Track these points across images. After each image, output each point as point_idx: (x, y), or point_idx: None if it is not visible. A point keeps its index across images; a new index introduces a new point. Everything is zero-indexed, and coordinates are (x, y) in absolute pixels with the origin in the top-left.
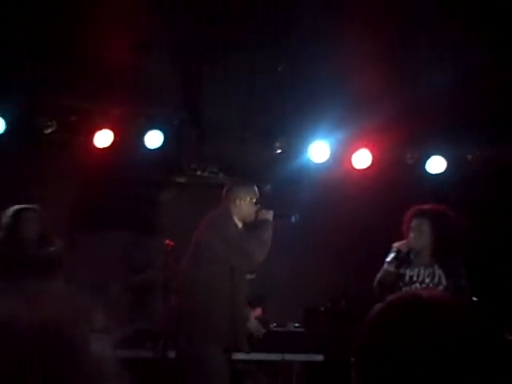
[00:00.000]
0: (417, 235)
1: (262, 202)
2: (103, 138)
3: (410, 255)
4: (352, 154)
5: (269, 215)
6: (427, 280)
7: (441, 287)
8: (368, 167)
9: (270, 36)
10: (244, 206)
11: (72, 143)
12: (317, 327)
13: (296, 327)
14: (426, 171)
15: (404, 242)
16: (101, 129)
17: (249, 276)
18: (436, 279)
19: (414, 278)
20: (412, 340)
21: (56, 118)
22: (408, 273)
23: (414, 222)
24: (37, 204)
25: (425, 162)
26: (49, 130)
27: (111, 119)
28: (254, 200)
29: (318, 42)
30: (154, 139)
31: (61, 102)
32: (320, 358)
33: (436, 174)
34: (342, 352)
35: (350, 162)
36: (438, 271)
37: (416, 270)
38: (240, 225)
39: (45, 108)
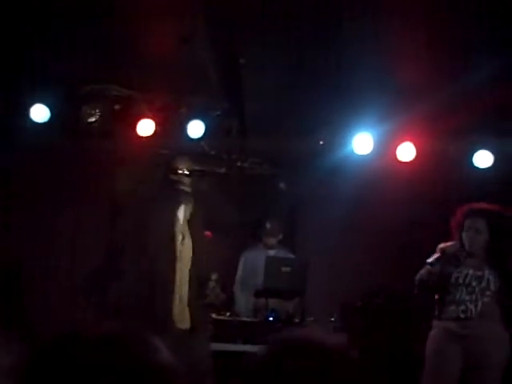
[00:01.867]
0: (472, 235)
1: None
2: (145, 127)
3: (459, 256)
4: (396, 146)
5: None
6: (474, 283)
7: (488, 292)
8: (412, 160)
9: (314, 28)
10: None
11: (115, 132)
12: (352, 322)
13: (332, 322)
14: (472, 165)
15: (451, 243)
16: (143, 118)
17: (284, 268)
18: (484, 283)
19: (460, 281)
20: None
21: (99, 107)
22: (455, 274)
23: (469, 222)
24: (77, 193)
25: (471, 156)
26: (92, 119)
27: (153, 108)
28: None
29: (363, 34)
30: (195, 129)
31: (104, 90)
32: (354, 354)
33: (482, 169)
34: (377, 349)
35: (394, 155)
36: (488, 275)
37: (464, 272)
38: None
39: (88, 97)
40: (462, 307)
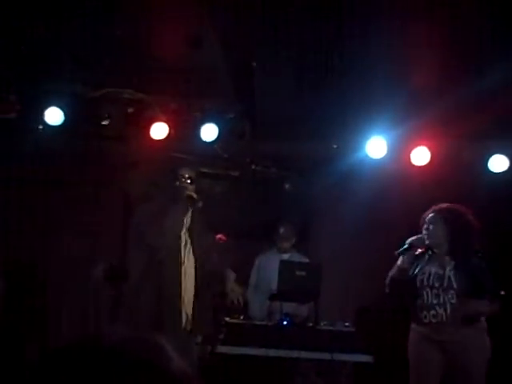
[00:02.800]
0: (427, 228)
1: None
2: (159, 131)
3: (425, 255)
4: (410, 150)
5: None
6: (436, 284)
7: (452, 291)
8: (426, 164)
9: (327, 30)
10: None
11: (128, 135)
12: (367, 327)
13: (346, 326)
14: (487, 170)
15: (418, 236)
16: (157, 121)
17: (298, 272)
18: (445, 283)
19: (425, 282)
20: None
21: (113, 110)
22: (419, 276)
23: (427, 218)
24: (92, 196)
25: (486, 161)
26: (105, 122)
27: (167, 112)
28: None
29: (376, 36)
30: (209, 132)
31: (117, 94)
32: (369, 359)
33: (498, 173)
34: (392, 353)
35: (408, 159)
36: (449, 273)
37: (427, 274)
38: None
39: (102, 100)
40: (432, 312)
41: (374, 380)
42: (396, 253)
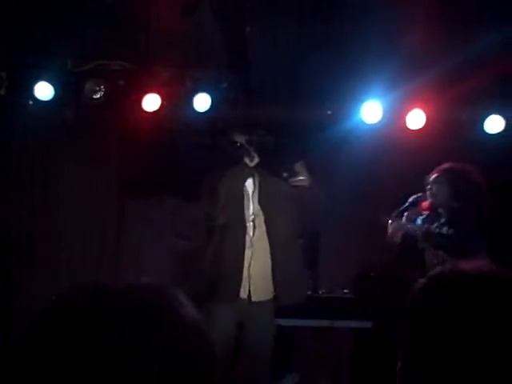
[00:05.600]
0: (433, 190)
1: None
2: (152, 102)
3: (432, 214)
4: (406, 114)
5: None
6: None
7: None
8: (422, 127)
9: None
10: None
11: (120, 107)
12: (366, 293)
13: (345, 293)
14: (483, 131)
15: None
16: (149, 92)
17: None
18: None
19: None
20: (457, 317)
21: (103, 83)
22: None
23: (431, 179)
24: (86, 168)
25: (482, 122)
26: (97, 95)
27: (159, 83)
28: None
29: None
30: (202, 102)
31: (108, 66)
32: (368, 324)
33: (494, 134)
34: (391, 319)
35: (404, 123)
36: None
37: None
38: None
39: (92, 73)
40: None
41: (374, 346)
42: (397, 211)
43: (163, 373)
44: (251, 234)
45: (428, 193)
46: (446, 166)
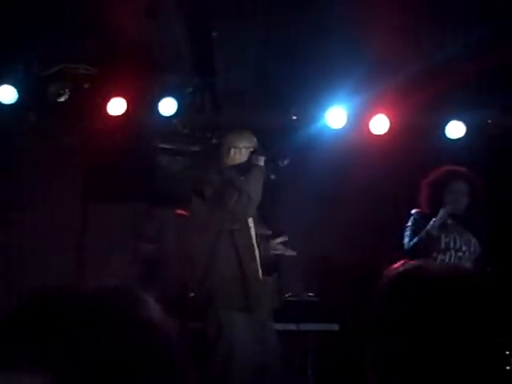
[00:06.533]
0: (459, 198)
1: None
2: (117, 106)
3: (445, 220)
4: (369, 119)
5: (259, 160)
6: (464, 248)
7: (473, 256)
8: (386, 133)
9: None
10: (237, 155)
11: (85, 111)
12: (331, 296)
13: (310, 297)
14: (445, 136)
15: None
16: (114, 96)
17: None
18: (472, 248)
19: (451, 245)
20: (419, 312)
21: (68, 86)
22: (443, 238)
23: (455, 184)
24: (49, 174)
25: (444, 127)
26: (61, 99)
27: (124, 86)
28: (251, 149)
29: (335, 4)
30: (167, 106)
31: (73, 69)
32: (335, 327)
33: (455, 140)
34: (357, 321)
35: (368, 128)
36: (473, 239)
37: (452, 236)
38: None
39: (57, 76)
40: None
41: (340, 348)
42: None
43: (120, 371)
44: (254, 235)
45: (452, 197)
46: (463, 170)
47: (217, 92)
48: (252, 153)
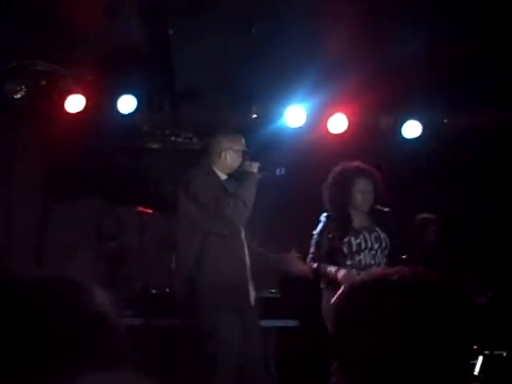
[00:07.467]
0: (367, 197)
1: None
2: (75, 103)
3: (346, 222)
4: (328, 118)
5: (254, 167)
6: (376, 246)
7: (386, 252)
8: (344, 132)
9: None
10: (229, 158)
11: (43, 108)
12: (292, 293)
13: (272, 293)
14: (401, 136)
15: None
16: (72, 93)
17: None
18: (383, 244)
19: (363, 246)
20: (381, 323)
21: (25, 83)
22: (354, 242)
23: (362, 182)
24: (8, 172)
25: (400, 127)
26: (18, 95)
27: (83, 83)
28: (241, 152)
29: (293, 5)
30: (127, 104)
31: (30, 66)
32: (296, 323)
33: (412, 139)
34: (318, 317)
35: (326, 127)
36: (382, 234)
37: (361, 237)
38: (224, 177)
39: (13, 72)
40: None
41: (301, 344)
42: (319, 233)
43: (59, 355)
44: (243, 237)
45: (360, 196)
46: (367, 167)
47: (176, 91)
48: (244, 157)
